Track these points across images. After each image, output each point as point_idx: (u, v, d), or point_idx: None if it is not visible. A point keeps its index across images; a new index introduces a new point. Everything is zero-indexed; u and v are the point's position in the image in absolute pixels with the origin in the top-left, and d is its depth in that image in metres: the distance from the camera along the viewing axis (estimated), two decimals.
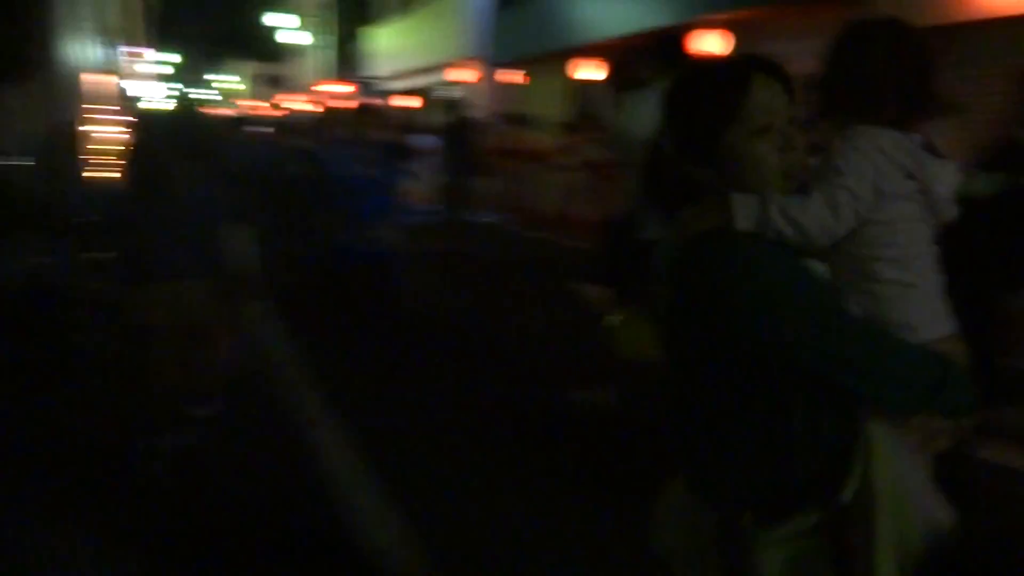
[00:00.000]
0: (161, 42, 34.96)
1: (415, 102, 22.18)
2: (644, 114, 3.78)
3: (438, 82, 19.84)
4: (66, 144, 9.55)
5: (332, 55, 28.82)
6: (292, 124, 10.50)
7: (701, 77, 1.28)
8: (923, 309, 1.34)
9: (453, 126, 12.01)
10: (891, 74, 1.37)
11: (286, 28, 31.35)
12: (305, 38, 31.03)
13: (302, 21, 30.61)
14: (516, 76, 16.58)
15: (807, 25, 9.19)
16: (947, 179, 1.37)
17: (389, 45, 22.67)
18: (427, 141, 11.89)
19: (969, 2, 6.74)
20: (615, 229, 4.05)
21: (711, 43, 9.85)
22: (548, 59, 14.21)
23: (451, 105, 12.62)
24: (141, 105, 22.14)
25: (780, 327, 1.15)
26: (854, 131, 1.36)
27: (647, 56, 3.95)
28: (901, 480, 1.20)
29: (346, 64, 26.86)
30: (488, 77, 16.97)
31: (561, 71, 14.53)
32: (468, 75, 17.46)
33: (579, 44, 12.54)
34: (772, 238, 1.22)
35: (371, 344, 5.42)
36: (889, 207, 1.32)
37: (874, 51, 1.38)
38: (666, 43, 3.92)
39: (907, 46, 1.39)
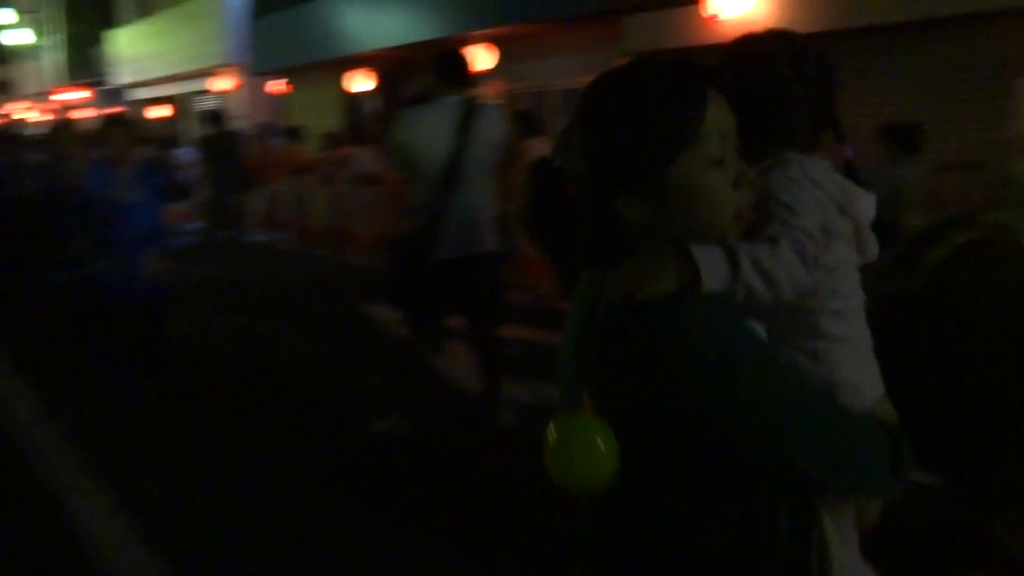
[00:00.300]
0: None
1: (167, 111, 20.56)
2: (424, 129, 3.71)
3: (193, 91, 18.54)
4: None
5: (63, 57, 25.88)
6: (20, 135, 9.25)
7: (646, 86, 0.98)
8: (865, 367, 1.19)
9: (214, 138, 11.30)
10: (799, 91, 1.16)
11: (2, 25, 27.62)
12: (26, 37, 27.53)
13: (20, 18, 27.13)
14: (280, 85, 15.90)
15: (568, 41, 9.69)
16: (871, 211, 1.20)
17: (133, 48, 20.77)
18: (186, 154, 11.04)
19: (714, 28, 7.41)
20: (404, 248, 3.91)
21: (479, 57, 10.04)
22: (314, 69, 13.76)
23: (210, 115, 11.85)
24: None
25: (771, 420, 0.95)
26: (782, 159, 1.14)
27: (428, 71, 3.87)
28: (852, 571, 1.09)
29: (82, 68, 24.25)
30: (249, 86, 16.12)
31: (328, 81, 14.12)
32: (227, 83, 16.48)
33: (348, 54, 12.25)
34: (740, 300, 0.99)
35: (138, 391, 4.79)
36: (833, 247, 1.12)
37: (777, 66, 1.16)
38: (447, 59, 3.86)
39: (809, 58, 1.19)
